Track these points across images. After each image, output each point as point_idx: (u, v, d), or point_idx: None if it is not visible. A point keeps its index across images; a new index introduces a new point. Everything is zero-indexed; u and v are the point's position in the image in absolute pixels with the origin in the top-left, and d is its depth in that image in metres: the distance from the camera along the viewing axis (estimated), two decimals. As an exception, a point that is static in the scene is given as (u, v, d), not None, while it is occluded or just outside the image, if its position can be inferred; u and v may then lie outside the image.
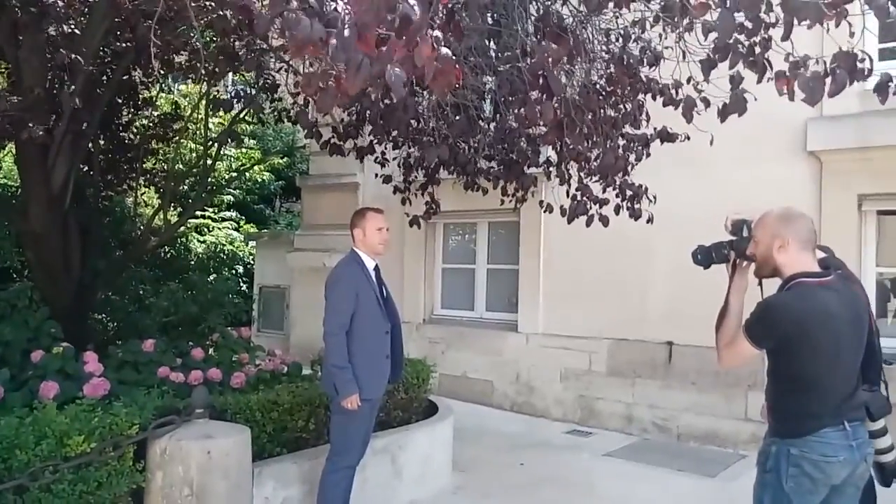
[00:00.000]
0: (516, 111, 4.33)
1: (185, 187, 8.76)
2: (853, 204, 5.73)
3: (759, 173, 6.01)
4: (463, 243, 8.71)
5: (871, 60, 3.03)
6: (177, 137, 7.70)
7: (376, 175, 6.20)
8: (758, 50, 3.29)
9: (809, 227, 2.51)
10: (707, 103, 3.82)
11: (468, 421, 6.50)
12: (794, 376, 2.45)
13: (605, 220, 5.03)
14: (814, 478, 2.40)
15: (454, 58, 2.42)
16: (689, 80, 4.02)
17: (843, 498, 2.49)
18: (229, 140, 5.50)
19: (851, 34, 2.95)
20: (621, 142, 4.74)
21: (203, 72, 5.99)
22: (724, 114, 3.61)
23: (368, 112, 4.95)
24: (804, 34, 3.02)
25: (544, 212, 5.71)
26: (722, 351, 2.57)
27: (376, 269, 3.83)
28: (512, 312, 7.82)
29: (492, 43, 4.43)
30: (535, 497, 4.78)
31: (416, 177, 6.01)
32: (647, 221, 5.18)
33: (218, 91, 8.15)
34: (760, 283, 2.62)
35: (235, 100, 5.87)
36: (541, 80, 3.46)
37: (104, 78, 6.26)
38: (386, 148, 5.76)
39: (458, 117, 4.60)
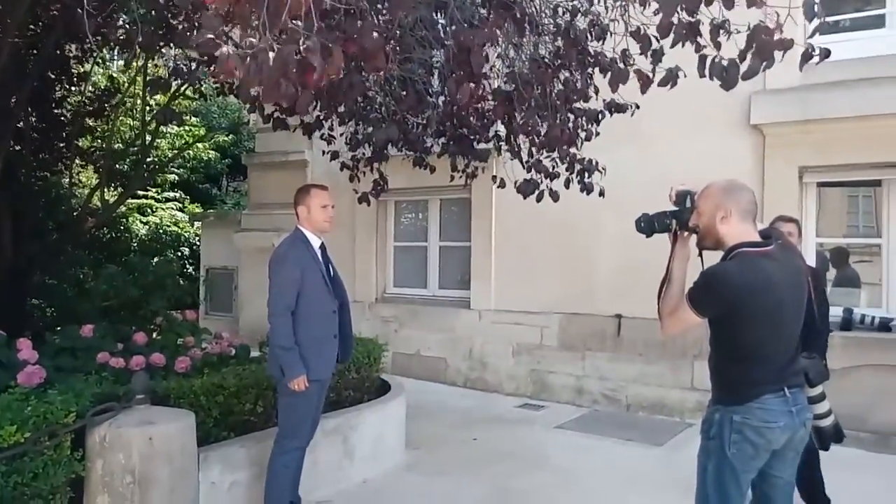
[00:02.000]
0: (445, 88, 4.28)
1: (125, 166, 8.46)
2: (794, 176, 5.87)
3: (704, 147, 6.10)
4: (415, 221, 8.66)
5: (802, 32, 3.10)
6: (114, 114, 7.40)
7: (323, 152, 6.08)
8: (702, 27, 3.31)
9: (751, 198, 2.54)
10: (641, 76, 3.82)
11: (422, 398, 6.50)
12: (736, 344, 2.48)
13: (555, 196, 5.03)
14: (755, 443, 2.44)
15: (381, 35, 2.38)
16: (624, 52, 4.01)
17: (783, 462, 2.54)
18: (169, 119, 5.28)
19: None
20: (571, 116, 4.72)
21: (138, 46, 5.73)
22: (645, 86, 3.65)
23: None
24: (745, 11, 3.06)
25: (497, 187, 5.69)
26: (665, 319, 2.59)
27: (322, 247, 3.74)
28: (464, 289, 7.82)
29: (440, 15, 4.34)
30: (487, 471, 4.81)
31: (363, 153, 5.91)
32: (599, 195, 5.20)
33: (157, 65, 7.86)
34: (701, 254, 2.64)
35: (173, 77, 5.62)
36: (465, 60, 3.41)
37: (33, 51, 5.95)
38: (333, 124, 5.63)
39: (405, 93, 4.51)
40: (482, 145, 5.51)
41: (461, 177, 5.80)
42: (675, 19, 3.23)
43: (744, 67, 3.12)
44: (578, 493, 4.45)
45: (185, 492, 3.41)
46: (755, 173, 5.92)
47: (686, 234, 2.66)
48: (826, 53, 3.29)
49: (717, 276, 2.43)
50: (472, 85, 3.64)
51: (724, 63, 3.20)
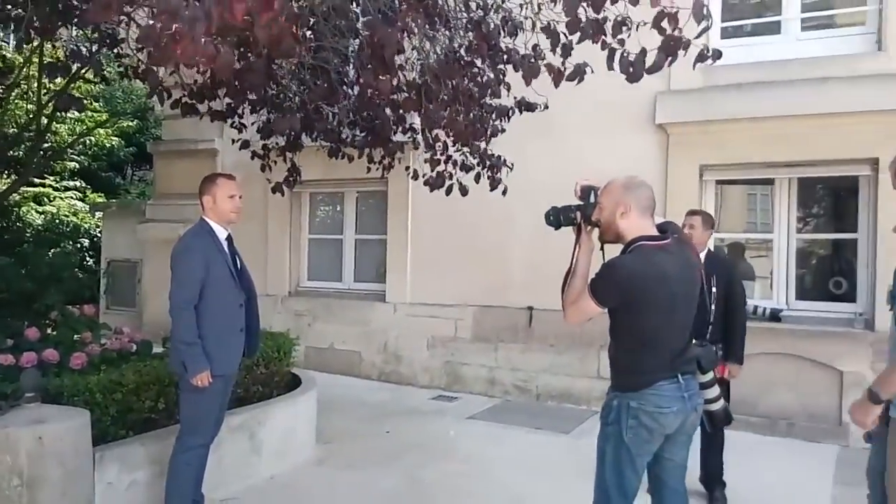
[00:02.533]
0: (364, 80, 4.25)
1: (19, 152, 7.96)
2: (695, 173, 6.15)
3: (612, 144, 6.31)
4: (330, 213, 8.55)
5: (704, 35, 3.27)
6: (7, 97, 6.94)
7: (233, 141, 5.90)
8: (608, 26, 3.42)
9: (649, 194, 2.65)
10: (551, 70, 3.91)
11: (335, 392, 6.44)
12: (634, 333, 2.59)
13: (464, 190, 5.08)
14: (650, 428, 2.55)
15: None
16: (534, 48, 4.09)
17: (675, 446, 2.67)
18: (69, 105, 4.98)
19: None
20: (480, 112, 4.77)
21: (32, 30, 5.38)
22: (556, 81, 3.74)
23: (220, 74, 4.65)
24: (648, 11, 3.19)
25: (411, 178, 5.70)
26: (568, 308, 2.67)
27: (229, 238, 3.63)
28: (380, 283, 7.80)
29: (354, 4, 4.29)
30: (398, 463, 4.81)
31: (276, 143, 5.77)
32: (503, 193, 5.28)
33: (55, 47, 7.41)
34: (603, 247, 2.73)
35: (71, 60, 5.31)
36: (379, 54, 3.40)
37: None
38: (244, 112, 5.47)
39: (318, 82, 4.44)
40: (398, 137, 5.49)
41: (378, 169, 5.77)
42: (582, 16, 3.34)
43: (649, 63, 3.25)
44: (486, 481, 4.52)
45: (79, 493, 3.26)
46: (659, 170, 6.17)
47: (589, 227, 2.74)
48: (718, 55, 3.48)
49: (616, 268, 2.52)
50: (388, 77, 3.63)
51: (631, 58, 3.32)
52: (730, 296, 4.12)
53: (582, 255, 2.73)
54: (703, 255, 4.17)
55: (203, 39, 1.91)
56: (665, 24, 3.12)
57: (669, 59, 3.23)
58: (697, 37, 3.13)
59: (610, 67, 3.43)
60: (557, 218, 2.80)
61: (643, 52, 3.24)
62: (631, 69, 3.31)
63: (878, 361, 5.23)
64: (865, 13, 5.82)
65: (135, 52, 4.95)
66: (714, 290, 4.07)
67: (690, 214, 4.30)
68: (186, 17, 1.83)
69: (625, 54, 3.36)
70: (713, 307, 4.05)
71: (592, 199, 2.72)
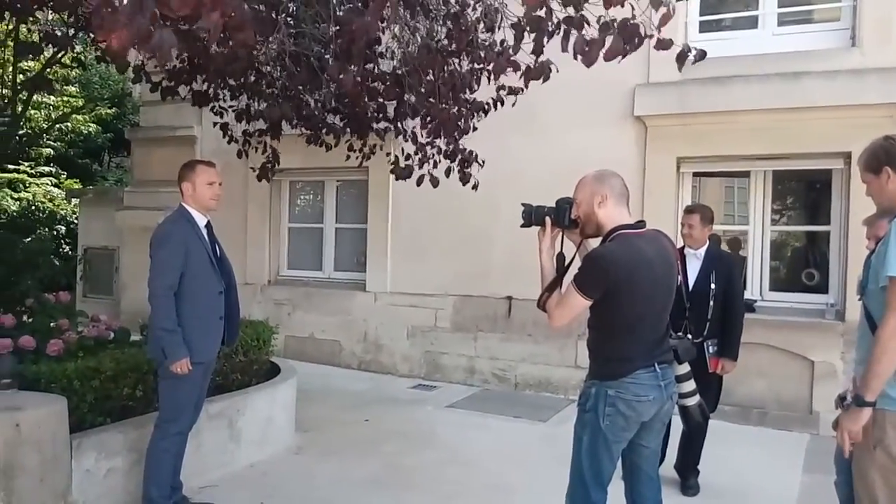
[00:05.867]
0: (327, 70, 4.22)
1: (-8, 138, 7.82)
2: (672, 166, 6.22)
3: (592, 136, 6.36)
4: (310, 202, 8.52)
5: (683, 33, 3.28)
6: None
7: (215, 124, 5.85)
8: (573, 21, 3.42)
9: (622, 182, 2.71)
10: (518, 67, 3.91)
11: (314, 381, 6.45)
12: (614, 322, 2.62)
13: (434, 182, 5.08)
14: (627, 416, 2.60)
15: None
16: (502, 43, 4.10)
17: (650, 433, 2.73)
18: (39, 87, 4.90)
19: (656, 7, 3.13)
20: (456, 106, 4.78)
21: (8, 10, 5.28)
22: (527, 78, 3.75)
23: (198, 59, 4.62)
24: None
25: (390, 164, 5.69)
26: (553, 312, 2.66)
27: (208, 225, 3.63)
28: (360, 272, 7.80)
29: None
30: (377, 451, 4.85)
31: (256, 127, 5.73)
32: (473, 188, 5.29)
33: (30, 30, 7.29)
34: (581, 244, 2.79)
35: (45, 43, 5.22)
36: (345, 46, 3.39)
37: None
38: (224, 97, 5.43)
39: (299, 69, 4.42)
40: (380, 125, 5.48)
41: (357, 157, 5.77)
42: (543, 14, 3.32)
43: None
44: (464, 469, 4.57)
45: (57, 480, 3.26)
46: (637, 162, 6.24)
47: (556, 230, 2.78)
48: (702, 55, 3.50)
49: (601, 257, 2.56)
50: (353, 69, 3.61)
51: (586, 39, 3.29)
52: (728, 293, 4.13)
53: (545, 260, 2.77)
54: (702, 251, 4.22)
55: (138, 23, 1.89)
56: (633, 20, 3.11)
57: (627, 46, 3.20)
58: (660, 25, 3.12)
59: (564, 49, 3.39)
60: (530, 215, 2.84)
61: (601, 36, 3.20)
62: (586, 49, 3.26)
63: (848, 352, 5.35)
64: (840, 9, 5.91)
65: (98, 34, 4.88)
66: (713, 286, 4.10)
67: (688, 213, 4.29)
68: (125, 7, 1.83)
69: (581, 37, 3.30)
70: (711, 303, 4.08)
71: (567, 206, 2.76)
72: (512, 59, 3.91)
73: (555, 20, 3.36)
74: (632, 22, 3.12)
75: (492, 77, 4.28)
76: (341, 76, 3.38)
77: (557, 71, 3.70)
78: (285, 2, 3.77)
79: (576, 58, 3.21)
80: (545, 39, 3.45)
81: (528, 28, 3.37)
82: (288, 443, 4.88)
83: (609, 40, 3.10)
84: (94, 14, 1.88)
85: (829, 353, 5.61)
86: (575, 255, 2.81)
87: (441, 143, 5.07)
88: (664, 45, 3.21)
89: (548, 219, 2.78)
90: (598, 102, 6.30)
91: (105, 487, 3.57)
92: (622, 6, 3.06)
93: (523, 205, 2.86)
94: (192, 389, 3.49)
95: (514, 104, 4.87)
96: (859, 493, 2.45)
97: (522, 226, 2.89)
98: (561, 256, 2.79)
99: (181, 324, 3.36)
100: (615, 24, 3.12)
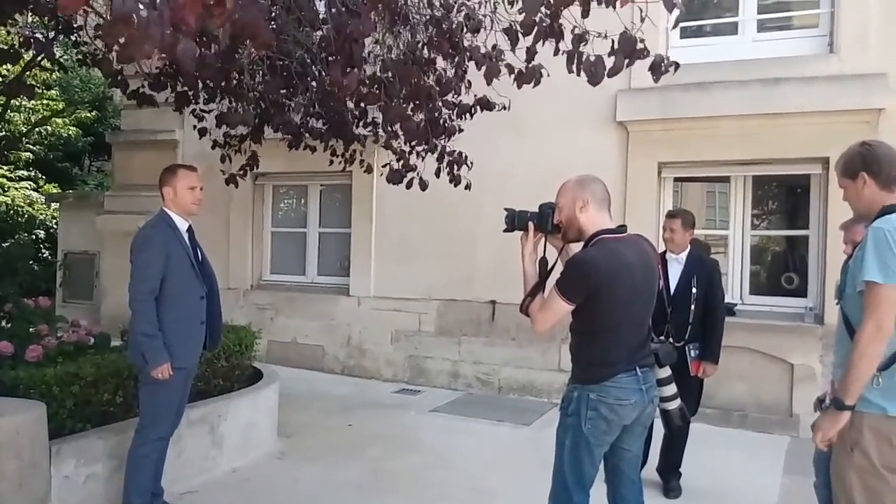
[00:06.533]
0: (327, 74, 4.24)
1: (-30, 141, 7.73)
2: (654, 170, 6.27)
3: (576, 140, 6.40)
4: (293, 206, 8.49)
5: (664, 41, 3.35)
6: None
7: (194, 127, 5.82)
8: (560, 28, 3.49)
9: (603, 188, 2.73)
10: (511, 70, 3.95)
11: (297, 386, 6.43)
12: (596, 327, 2.63)
13: (423, 185, 5.10)
14: (609, 419, 2.61)
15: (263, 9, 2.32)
16: (493, 48, 4.14)
17: (632, 436, 2.74)
18: (18, 92, 4.83)
19: (642, 19, 3.20)
20: (439, 110, 4.80)
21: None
22: (519, 82, 3.79)
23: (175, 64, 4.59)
24: (606, 14, 3.25)
25: (365, 171, 5.69)
26: (536, 317, 2.67)
27: (189, 230, 3.61)
28: (344, 276, 7.78)
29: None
30: (360, 455, 4.83)
31: (237, 132, 5.70)
32: (466, 188, 5.32)
33: (9, 33, 7.21)
34: (562, 249, 2.81)
35: (24, 48, 5.17)
36: (346, 48, 3.40)
37: None
38: (202, 100, 5.40)
39: (282, 74, 4.41)
40: (360, 130, 5.48)
41: (340, 162, 5.76)
42: (537, 19, 3.39)
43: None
44: (448, 472, 4.57)
45: (35, 486, 3.22)
46: (619, 167, 6.29)
47: (539, 235, 2.79)
48: (675, 66, 3.57)
49: (583, 262, 2.57)
50: (354, 70, 3.63)
51: (591, 58, 3.39)
52: (710, 297, 4.17)
53: (528, 265, 2.78)
54: (684, 256, 4.25)
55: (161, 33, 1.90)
56: (629, 32, 3.18)
57: (627, 60, 3.30)
58: (675, 26, 3.19)
59: (570, 70, 3.49)
60: (512, 220, 2.85)
61: (603, 56, 3.31)
62: (593, 69, 3.37)
63: (826, 355, 5.42)
64: (818, 16, 6.00)
65: (92, 39, 4.86)
66: (695, 290, 4.13)
67: (669, 217, 4.33)
68: (142, 21, 1.83)
69: (588, 57, 3.41)
70: (693, 307, 4.12)
71: (550, 210, 2.78)
72: (506, 63, 3.95)
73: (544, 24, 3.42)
74: (628, 34, 3.18)
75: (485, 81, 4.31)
76: (345, 78, 3.38)
77: (549, 75, 3.73)
78: (267, 6, 3.76)
79: (579, 74, 3.29)
80: (541, 42, 3.50)
81: (522, 31, 3.42)
82: (270, 448, 4.86)
83: (609, 61, 3.18)
84: (109, 29, 1.86)
85: (808, 357, 5.67)
86: (557, 259, 2.82)
87: (422, 149, 5.08)
88: (641, 52, 3.28)
89: (530, 223, 2.79)
90: (581, 107, 6.33)
91: (85, 494, 3.54)
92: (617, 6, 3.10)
93: (506, 210, 2.88)
94: (173, 395, 3.46)
95: (503, 108, 4.89)
96: (837, 495, 2.47)
97: (505, 230, 2.90)
98: (544, 261, 2.80)
99: (162, 329, 3.33)
100: (615, 41, 3.19)
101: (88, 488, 3.55)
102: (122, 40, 1.93)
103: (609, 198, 2.73)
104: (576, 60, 3.46)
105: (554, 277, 2.69)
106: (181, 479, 3.99)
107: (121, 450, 3.55)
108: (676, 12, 3.14)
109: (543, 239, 2.83)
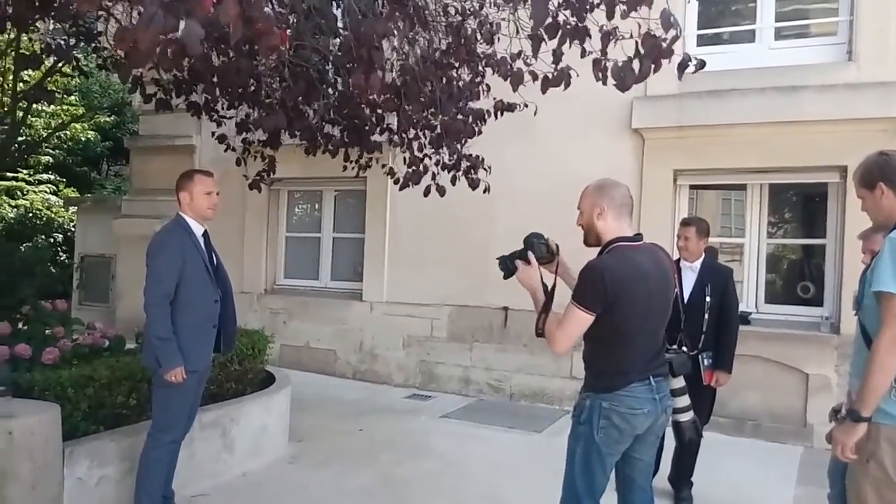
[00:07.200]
0: (350, 79, 4.27)
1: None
2: (669, 178, 6.24)
3: (591, 147, 6.39)
4: (308, 211, 8.54)
5: (682, 43, 3.34)
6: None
7: (213, 133, 5.88)
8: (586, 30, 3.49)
9: (624, 192, 2.70)
10: (535, 77, 3.96)
11: (309, 391, 6.44)
12: (610, 335, 2.61)
13: (441, 190, 5.11)
14: (621, 429, 2.60)
15: (277, 16, 2.34)
16: (519, 54, 4.14)
17: (644, 446, 2.72)
18: (40, 97, 4.90)
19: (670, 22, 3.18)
20: (457, 114, 4.81)
21: (9, 20, 5.31)
22: (545, 86, 3.78)
23: (199, 70, 4.64)
24: (622, 23, 3.25)
25: (385, 174, 5.70)
26: (555, 335, 2.61)
27: (205, 234, 3.63)
28: (357, 281, 7.80)
29: (334, 5, 4.30)
30: (372, 461, 4.83)
31: (256, 138, 5.75)
32: (484, 192, 5.33)
33: (31, 39, 7.32)
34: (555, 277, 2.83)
35: (45, 54, 5.24)
36: (366, 53, 3.42)
37: None
38: (222, 107, 5.45)
39: (301, 81, 4.44)
40: (376, 137, 5.51)
41: (353, 168, 5.78)
42: (560, 20, 3.39)
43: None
44: (459, 479, 4.56)
45: (49, 488, 3.25)
46: (634, 174, 6.26)
47: (537, 263, 2.81)
48: (701, 64, 3.54)
49: (599, 269, 2.54)
50: (378, 73, 3.65)
51: (619, 65, 3.38)
52: (724, 305, 4.14)
53: (535, 289, 2.78)
54: (698, 264, 4.22)
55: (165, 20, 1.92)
56: (653, 33, 3.18)
57: (653, 65, 3.28)
58: (670, 44, 3.19)
59: (597, 78, 3.48)
60: (506, 264, 2.89)
61: (630, 60, 3.29)
62: (622, 75, 3.35)
63: (842, 364, 5.36)
64: (837, 24, 5.95)
65: (113, 46, 4.91)
66: (708, 298, 4.10)
67: (684, 225, 4.29)
68: (164, 25, 1.85)
69: (615, 63, 3.40)
70: (706, 316, 4.08)
71: (537, 240, 2.83)
72: (530, 69, 3.96)
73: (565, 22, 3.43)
74: (657, 40, 3.17)
75: (503, 86, 4.32)
76: (368, 80, 3.40)
77: (578, 75, 3.71)
78: (286, 13, 3.79)
79: (604, 82, 3.29)
80: (568, 44, 3.51)
81: (546, 36, 3.43)
82: (282, 452, 4.87)
83: (637, 65, 3.18)
84: (123, 42, 1.89)
85: (823, 366, 5.61)
86: (555, 280, 2.81)
87: (444, 154, 5.09)
88: (665, 53, 3.26)
89: (530, 253, 2.80)
90: (595, 114, 6.32)
91: (97, 496, 3.56)
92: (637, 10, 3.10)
93: (498, 259, 2.91)
94: (185, 398, 3.48)
95: (525, 107, 4.87)
96: None
97: (505, 277, 2.92)
98: (545, 285, 2.80)
99: (176, 332, 3.36)
100: (639, 43, 3.18)
101: (101, 490, 3.58)
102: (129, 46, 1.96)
103: (630, 202, 2.71)
104: (602, 66, 3.45)
105: (558, 295, 2.69)
106: (192, 482, 4.01)
107: (133, 452, 3.58)
108: (673, 32, 3.13)
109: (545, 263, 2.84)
